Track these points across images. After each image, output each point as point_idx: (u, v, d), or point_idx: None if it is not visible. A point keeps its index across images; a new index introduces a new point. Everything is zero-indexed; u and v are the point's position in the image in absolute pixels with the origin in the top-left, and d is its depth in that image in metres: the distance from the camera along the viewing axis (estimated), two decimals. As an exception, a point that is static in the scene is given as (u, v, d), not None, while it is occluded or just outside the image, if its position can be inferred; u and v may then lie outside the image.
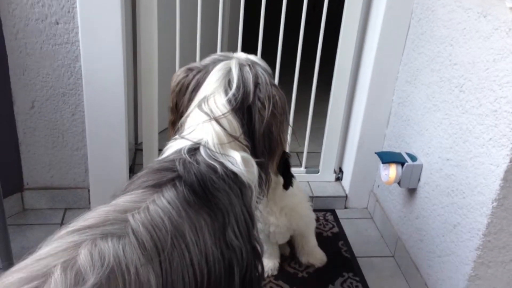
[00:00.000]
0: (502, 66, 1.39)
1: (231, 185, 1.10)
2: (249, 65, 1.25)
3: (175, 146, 1.15)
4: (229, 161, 1.12)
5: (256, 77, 1.23)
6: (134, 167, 2.41)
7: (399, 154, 1.90)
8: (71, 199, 2.17)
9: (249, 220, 1.13)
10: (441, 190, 1.70)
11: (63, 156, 2.09)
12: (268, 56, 2.39)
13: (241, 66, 1.24)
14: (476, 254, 1.51)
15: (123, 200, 1.00)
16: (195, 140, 1.14)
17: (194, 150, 1.12)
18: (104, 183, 2.08)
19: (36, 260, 0.84)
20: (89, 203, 2.16)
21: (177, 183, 1.04)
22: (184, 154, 1.10)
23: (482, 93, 1.48)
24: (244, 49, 2.15)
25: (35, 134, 2.03)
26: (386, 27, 2.00)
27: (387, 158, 1.89)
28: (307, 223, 1.88)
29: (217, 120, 1.16)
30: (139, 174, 1.10)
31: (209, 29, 2.56)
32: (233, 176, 1.11)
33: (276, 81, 2.17)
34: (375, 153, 1.97)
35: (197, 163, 1.08)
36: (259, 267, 1.18)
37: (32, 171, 2.10)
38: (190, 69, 1.30)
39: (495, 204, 1.43)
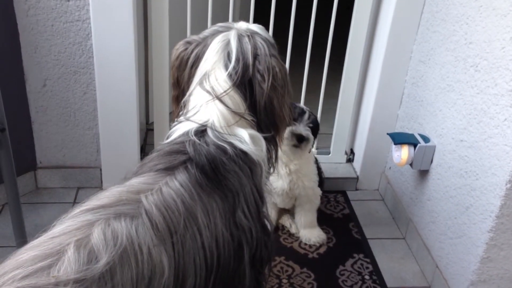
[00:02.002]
0: (519, 45, 1.36)
1: (241, 165, 1.09)
2: (248, 36, 1.21)
3: (182, 128, 1.15)
4: (238, 140, 1.11)
5: (255, 48, 1.19)
6: (145, 147, 2.42)
7: (412, 135, 1.88)
8: (84, 178, 2.18)
9: (259, 198, 1.13)
10: (454, 172, 1.68)
11: (75, 135, 2.10)
12: (280, 35, 2.36)
13: (240, 37, 1.20)
14: (489, 236, 1.49)
15: (136, 182, 1.00)
16: (201, 122, 1.13)
17: (201, 132, 1.11)
18: (115, 163, 2.09)
19: (50, 238, 0.84)
20: (101, 182, 2.18)
21: (189, 166, 1.04)
22: (192, 136, 1.09)
23: (498, 73, 1.45)
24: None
25: (47, 113, 2.04)
26: (400, 5, 1.96)
27: (399, 139, 1.87)
28: (310, 196, 1.93)
29: (220, 99, 1.14)
30: (150, 156, 1.09)
31: (221, 9, 2.53)
32: (243, 156, 1.10)
33: (288, 61, 2.15)
34: (387, 134, 1.95)
35: (206, 144, 1.07)
36: (269, 245, 1.17)
37: (44, 150, 2.12)
38: (189, 42, 1.28)
39: (508, 185, 1.41)
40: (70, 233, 0.85)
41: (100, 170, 2.16)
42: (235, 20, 2.01)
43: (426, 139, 1.85)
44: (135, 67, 1.95)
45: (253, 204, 1.11)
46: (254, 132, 1.16)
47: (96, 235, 0.84)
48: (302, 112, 1.80)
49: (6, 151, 1.52)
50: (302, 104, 2.22)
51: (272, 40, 1.28)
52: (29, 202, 2.07)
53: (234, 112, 1.14)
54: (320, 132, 2.36)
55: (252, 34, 1.22)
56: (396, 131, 2.17)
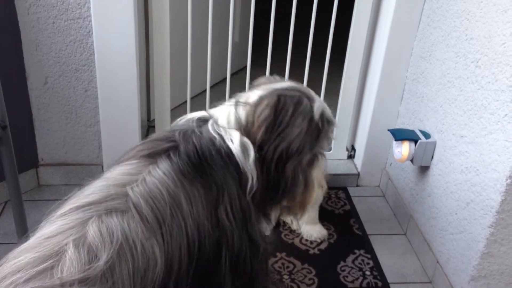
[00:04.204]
0: (520, 41, 1.36)
1: (227, 163, 1.08)
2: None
3: (189, 115, 1.17)
4: (229, 138, 1.10)
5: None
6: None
7: (413, 131, 1.88)
8: (85, 175, 2.19)
9: (246, 208, 1.08)
10: (455, 168, 1.68)
11: (77, 133, 2.10)
12: (281, 32, 2.37)
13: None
14: (489, 231, 1.50)
15: (119, 172, 1.01)
16: (207, 114, 1.15)
17: (202, 121, 1.12)
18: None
19: (46, 238, 0.85)
20: (103, 179, 2.18)
21: (171, 154, 1.04)
22: (193, 122, 1.12)
23: (498, 68, 1.45)
24: (256, 23, 2.13)
25: (49, 110, 2.04)
26: (401, 1, 1.96)
27: (400, 135, 1.87)
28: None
29: (237, 106, 1.15)
30: (138, 143, 1.12)
31: (222, 5, 2.54)
32: (230, 155, 1.08)
33: (288, 58, 2.15)
34: (388, 130, 1.95)
35: (200, 133, 1.09)
36: (255, 263, 1.11)
37: (46, 147, 2.12)
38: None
39: (509, 181, 1.41)
40: (66, 232, 0.85)
41: (102, 167, 2.17)
42: (235, 15, 1.99)
43: (426, 135, 1.85)
44: (136, 65, 1.96)
45: (238, 210, 1.07)
46: (247, 140, 1.12)
47: (92, 233, 0.85)
48: None
49: (7, 149, 1.53)
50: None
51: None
52: (31, 199, 2.08)
53: (243, 125, 1.13)
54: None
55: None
56: (397, 127, 2.17)
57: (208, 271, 1.05)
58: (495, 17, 1.48)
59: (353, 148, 2.41)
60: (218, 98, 2.55)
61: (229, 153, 1.08)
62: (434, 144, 1.82)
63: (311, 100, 1.16)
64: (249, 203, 1.09)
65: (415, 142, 1.83)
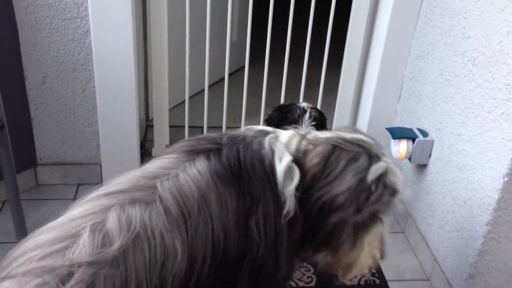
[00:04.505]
0: (516, 39, 1.37)
1: (269, 178, 1.05)
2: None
3: (255, 126, 1.14)
4: (279, 156, 1.06)
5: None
6: (145, 143, 2.42)
7: (410, 130, 1.89)
8: (84, 175, 2.19)
9: (280, 231, 1.05)
10: (452, 166, 1.68)
11: (75, 132, 2.11)
12: (279, 30, 2.38)
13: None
14: (487, 229, 1.50)
15: (155, 165, 1.03)
16: (274, 130, 1.12)
17: (263, 133, 1.10)
18: (115, 159, 2.10)
19: (69, 220, 0.89)
20: (101, 178, 2.18)
21: (211, 155, 1.04)
22: (251, 131, 1.10)
23: (495, 67, 1.46)
24: (254, 22, 2.13)
25: (47, 110, 2.04)
26: (398, 0, 1.96)
27: (398, 133, 1.88)
28: None
29: (304, 138, 1.09)
30: (187, 138, 1.13)
31: (219, 4, 2.54)
32: (273, 171, 1.06)
33: (287, 56, 2.16)
34: (386, 128, 1.95)
35: (251, 142, 1.07)
36: (275, 284, 1.10)
37: (44, 147, 2.12)
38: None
39: (506, 179, 1.42)
40: (87, 216, 0.89)
41: (100, 166, 2.17)
42: (233, 12, 1.99)
43: (424, 133, 1.85)
44: (134, 64, 1.96)
45: (272, 230, 1.04)
46: (296, 167, 1.06)
47: (111, 220, 0.88)
48: (303, 112, 1.80)
49: (5, 148, 1.53)
50: (301, 100, 2.23)
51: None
52: (30, 198, 2.08)
53: (299, 156, 1.08)
54: (319, 127, 2.37)
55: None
56: (395, 126, 2.17)
57: (229, 277, 1.05)
58: (492, 16, 1.48)
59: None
60: (216, 97, 2.56)
61: (273, 170, 1.06)
62: (431, 142, 1.82)
63: (372, 159, 1.06)
64: (283, 227, 1.05)
65: (413, 140, 1.83)
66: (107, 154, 2.10)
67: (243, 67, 2.26)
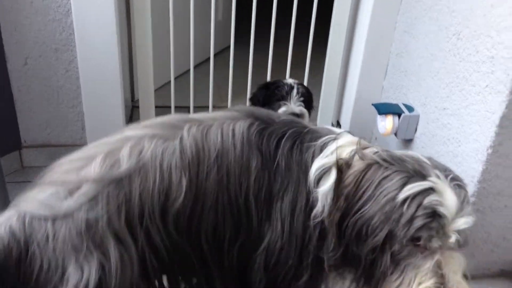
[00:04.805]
0: (500, 12, 1.37)
1: (304, 173, 1.04)
2: None
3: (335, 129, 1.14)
4: (324, 155, 1.04)
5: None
6: (130, 124, 2.40)
7: (396, 105, 1.89)
8: (69, 157, 2.17)
9: (307, 230, 1.03)
10: (437, 140, 1.69)
11: (59, 114, 2.08)
12: (264, 8, 2.35)
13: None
14: (471, 200, 1.52)
15: (204, 114, 1.09)
16: (340, 134, 1.09)
17: (329, 131, 1.10)
18: (101, 140, 2.08)
19: (95, 145, 1.02)
20: None
21: (256, 125, 1.06)
22: (324, 128, 1.11)
23: (479, 40, 1.46)
24: (239, 0, 2.11)
25: (30, 92, 2.02)
26: (383, -25, 1.96)
27: (384, 109, 1.88)
28: None
29: (358, 152, 1.03)
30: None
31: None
32: (307, 167, 1.05)
33: (272, 34, 2.14)
34: (372, 104, 1.96)
35: (305, 133, 1.07)
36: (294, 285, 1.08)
37: (29, 129, 2.10)
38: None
39: (490, 151, 1.43)
40: (110, 143, 1.00)
41: (86, 148, 2.15)
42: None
43: (410, 108, 1.86)
44: (117, 43, 1.93)
45: (298, 228, 1.03)
46: (333, 171, 1.02)
47: (125, 149, 0.98)
48: (290, 88, 1.80)
49: (-12, 130, 1.51)
50: (288, 77, 2.22)
51: None
52: (15, 181, 2.06)
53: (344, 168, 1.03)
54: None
55: None
56: (382, 102, 2.17)
57: (248, 254, 1.06)
58: (475, -12, 1.48)
59: (338, 124, 2.42)
60: (202, 77, 2.54)
61: (308, 165, 1.04)
62: (417, 117, 1.83)
63: (412, 177, 0.95)
64: (311, 230, 1.03)
65: (399, 116, 1.84)
66: (93, 136, 2.08)
67: (229, 46, 2.24)
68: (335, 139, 1.06)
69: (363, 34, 2.10)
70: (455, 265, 0.97)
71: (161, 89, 2.70)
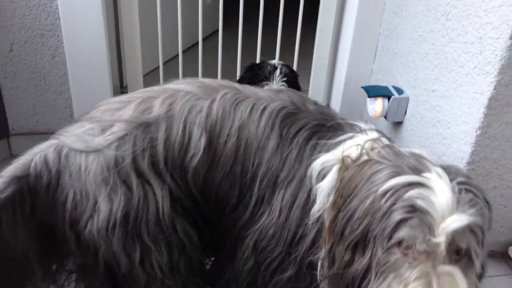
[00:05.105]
0: (488, -9, 1.36)
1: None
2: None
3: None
4: (336, 150, 1.01)
5: None
6: (120, 111, 2.39)
7: (386, 88, 1.89)
8: (58, 144, 2.15)
9: (304, 225, 1.02)
10: (427, 122, 1.69)
11: (47, 100, 2.06)
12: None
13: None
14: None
15: (252, 88, 1.14)
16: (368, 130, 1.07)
17: (357, 129, 1.07)
18: (90, 127, 2.07)
19: (139, 91, 1.12)
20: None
21: (287, 108, 1.09)
22: (356, 124, 1.09)
23: (468, 20, 1.45)
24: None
25: (16, 79, 1.99)
26: (371, -45, 1.93)
27: (374, 92, 1.87)
28: None
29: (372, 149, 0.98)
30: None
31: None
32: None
33: (261, 19, 2.12)
34: (362, 87, 1.95)
35: (330, 127, 1.08)
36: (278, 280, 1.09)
37: (16, 117, 2.08)
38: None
39: (478, 132, 1.43)
40: (149, 91, 1.09)
41: (75, 135, 2.13)
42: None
43: (399, 91, 1.85)
44: (104, 28, 1.91)
45: (294, 220, 1.03)
46: (335, 169, 0.99)
47: (159, 99, 1.06)
48: (274, 68, 1.79)
49: (-27, 117, 1.49)
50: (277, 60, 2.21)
51: None
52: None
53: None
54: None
55: None
56: (371, 84, 2.17)
57: (240, 228, 1.10)
58: (464, -32, 1.47)
59: (328, 107, 2.41)
60: (191, 62, 2.52)
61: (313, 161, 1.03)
62: (406, 99, 1.82)
63: (403, 172, 0.86)
64: (307, 227, 1.00)
65: (388, 98, 1.83)
66: (81, 122, 2.07)
67: (217, 30, 2.22)
68: (352, 137, 1.02)
69: (352, 16, 2.08)
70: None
71: (150, 75, 2.68)
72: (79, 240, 1.02)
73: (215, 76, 2.25)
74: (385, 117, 1.86)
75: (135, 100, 1.06)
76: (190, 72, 2.40)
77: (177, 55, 2.28)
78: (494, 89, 1.36)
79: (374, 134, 1.04)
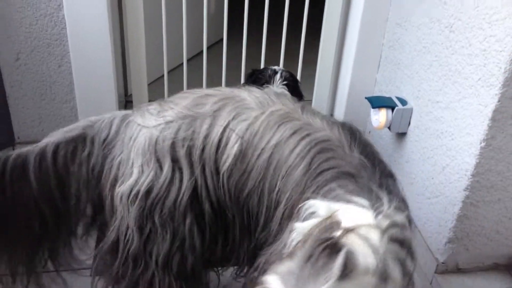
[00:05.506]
0: (491, 4, 1.36)
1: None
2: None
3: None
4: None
5: None
6: (125, 119, 2.40)
7: (389, 99, 1.89)
8: (63, 152, 2.16)
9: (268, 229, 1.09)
10: (431, 133, 1.70)
11: (53, 109, 2.07)
12: (257, 2, 2.34)
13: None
14: (465, 194, 1.52)
15: (312, 112, 1.13)
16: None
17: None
18: (94, 135, 2.08)
19: (216, 88, 1.19)
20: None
21: (331, 141, 1.04)
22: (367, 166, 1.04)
23: (472, 33, 1.46)
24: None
25: (22, 87, 2.00)
26: (375, -33, 1.95)
27: (377, 102, 1.88)
28: None
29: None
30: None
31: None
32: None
33: (265, 27, 2.13)
34: (366, 98, 1.95)
35: (348, 178, 0.99)
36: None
37: (22, 125, 2.09)
38: None
39: (483, 144, 1.43)
40: (217, 90, 1.15)
41: (80, 143, 2.14)
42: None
43: (403, 101, 1.86)
44: (110, 38, 1.92)
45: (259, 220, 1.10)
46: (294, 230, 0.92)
47: (214, 98, 1.12)
48: (274, 73, 1.80)
49: (-20, 127, 1.50)
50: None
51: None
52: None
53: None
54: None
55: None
56: (375, 95, 2.17)
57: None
58: (468, -19, 1.47)
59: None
60: (195, 71, 2.54)
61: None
62: (410, 110, 1.83)
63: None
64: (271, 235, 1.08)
65: (392, 109, 1.84)
66: (86, 131, 2.08)
67: (222, 39, 2.23)
68: (361, 206, 0.90)
69: (355, 26, 2.09)
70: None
71: (155, 84, 2.69)
72: (110, 202, 1.11)
73: (220, 85, 2.26)
74: (389, 127, 1.87)
75: (196, 95, 1.14)
76: (195, 80, 2.42)
77: (182, 64, 2.29)
78: (498, 101, 1.36)
79: (383, 221, 0.86)
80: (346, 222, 0.82)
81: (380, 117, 1.85)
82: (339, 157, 1.02)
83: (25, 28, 1.89)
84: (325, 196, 0.95)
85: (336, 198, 0.93)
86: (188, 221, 1.09)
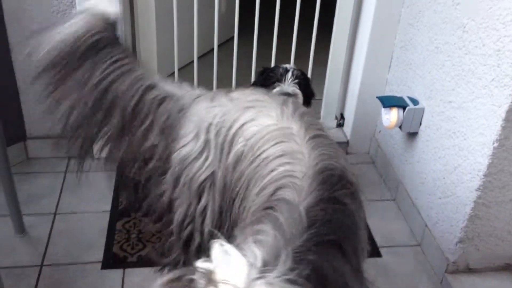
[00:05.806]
0: (506, 4, 1.36)
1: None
2: None
3: None
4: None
5: None
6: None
7: (401, 98, 1.89)
8: (74, 148, 2.17)
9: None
10: (442, 133, 1.70)
11: (64, 105, 2.08)
12: (268, 1, 2.35)
13: None
14: (476, 194, 1.52)
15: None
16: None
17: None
18: (106, 132, 2.08)
19: (262, 94, 1.25)
20: (92, 151, 2.17)
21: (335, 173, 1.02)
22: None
23: (485, 33, 1.46)
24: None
25: (35, 83, 2.01)
26: (389, -33, 1.95)
27: (389, 102, 1.88)
28: None
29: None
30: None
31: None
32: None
33: (276, 27, 2.13)
34: (377, 97, 1.96)
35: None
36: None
37: (34, 120, 2.10)
38: None
39: (496, 144, 1.43)
40: (246, 94, 1.22)
41: (91, 139, 2.15)
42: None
43: (415, 101, 1.86)
44: (121, 33, 1.92)
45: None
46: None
47: (251, 97, 1.20)
48: (285, 71, 1.79)
49: (-5, 122, 1.52)
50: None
51: None
52: (21, 172, 2.07)
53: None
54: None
55: None
56: (386, 94, 2.17)
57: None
58: (482, -19, 1.47)
59: (342, 117, 2.42)
60: (206, 69, 2.54)
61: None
62: (422, 110, 1.83)
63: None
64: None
65: (404, 108, 1.84)
66: (97, 127, 2.08)
67: (232, 38, 2.24)
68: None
69: (367, 26, 2.09)
70: None
71: (165, 81, 2.70)
72: (164, 150, 1.25)
73: (230, 84, 2.26)
74: (400, 127, 1.87)
75: (220, 97, 1.23)
76: (205, 78, 2.43)
77: (192, 61, 2.30)
78: (512, 101, 1.36)
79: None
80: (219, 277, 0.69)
81: (391, 116, 1.85)
82: (289, 201, 0.91)
83: (37, 24, 1.90)
84: (245, 237, 0.83)
85: (240, 246, 0.78)
86: (202, 201, 1.16)
